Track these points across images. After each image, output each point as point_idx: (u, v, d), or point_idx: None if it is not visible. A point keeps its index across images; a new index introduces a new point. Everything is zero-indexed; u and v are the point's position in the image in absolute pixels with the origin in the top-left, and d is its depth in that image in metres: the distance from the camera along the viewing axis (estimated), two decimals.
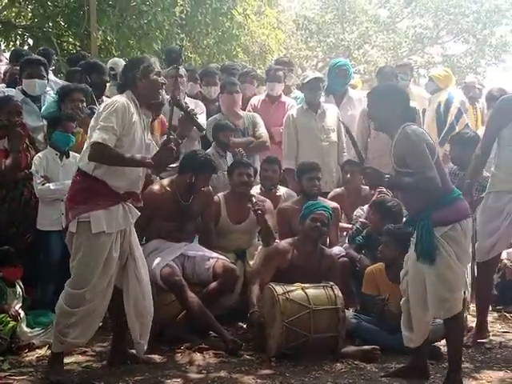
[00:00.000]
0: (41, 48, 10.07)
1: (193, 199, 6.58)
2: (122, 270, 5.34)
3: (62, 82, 8.13)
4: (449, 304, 4.91)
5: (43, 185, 6.45)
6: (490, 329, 6.53)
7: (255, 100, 8.72)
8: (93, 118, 5.25)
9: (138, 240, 5.50)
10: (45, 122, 7.10)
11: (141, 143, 5.24)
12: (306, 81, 8.18)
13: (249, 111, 8.45)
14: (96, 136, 5.00)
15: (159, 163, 5.27)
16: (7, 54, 10.65)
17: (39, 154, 6.60)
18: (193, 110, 6.82)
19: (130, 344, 5.77)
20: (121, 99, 5.16)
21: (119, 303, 5.37)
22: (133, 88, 5.27)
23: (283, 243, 6.54)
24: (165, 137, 7.21)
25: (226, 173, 7.35)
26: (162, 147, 5.25)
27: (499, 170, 6.14)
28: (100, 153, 5.01)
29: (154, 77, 5.28)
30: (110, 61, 10.17)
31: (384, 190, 6.95)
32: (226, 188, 7.31)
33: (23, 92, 7.34)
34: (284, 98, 8.80)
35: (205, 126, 7.86)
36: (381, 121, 5.19)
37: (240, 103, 8.23)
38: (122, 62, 9.48)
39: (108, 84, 8.24)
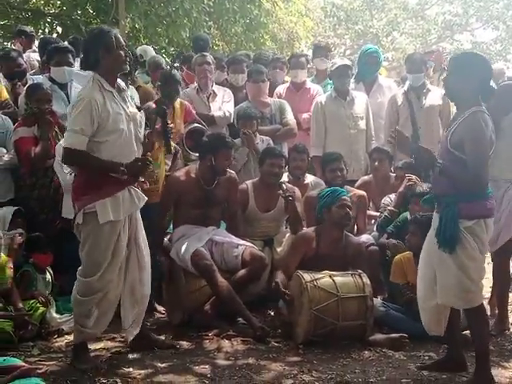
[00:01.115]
0: (70, 37, 10.13)
1: (216, 184, 6.58)
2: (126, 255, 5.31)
3: (86, 74, 8.18)
4: (472, 295, 4.84)
5: (71, 174, 6.45)
6: None
7: (280, 88, 8.68)
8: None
9: (142, 226, 5.43)
10: None
11: (127, 125, 5.12)
12: (334, 68, 8.15)
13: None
14: (65, 141, 5.01)
15: (131, 173, 5.09)
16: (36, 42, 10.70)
17: (62, 143, 6.57)
18: (171, 128, 6.60)
19: (158, 330, 5.83)
20: (86, 94, 5.03)
21: None
22: (97, 68, 5.13)
23: (308, 231, 6.52)
24: (192, 125, 7.29)
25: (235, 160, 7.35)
26: (136, 158, 5.13)
27: (498, 159, 6.03)
28: (70, 158, 5.05)
29: (118, 51, 5.11)
30: (138, 48, 10.24)
31: (413, 177, 6.89)
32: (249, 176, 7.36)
33: (50, 79, 7.37)
34: (309, 85, 8.75)
35: (232, 114, 7.89)
36: (454, 90, 4.97)
37: (266, 91, 8.19)
38: (150, 50, 9.54)
39: (137, 72, 8.27)
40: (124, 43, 5.26)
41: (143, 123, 5.44)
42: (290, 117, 8.05)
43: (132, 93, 7.65)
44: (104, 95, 5.05)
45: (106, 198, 5.02)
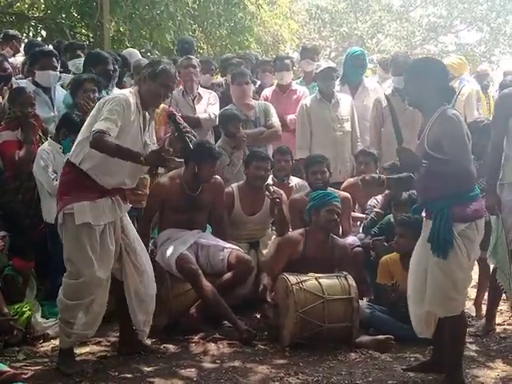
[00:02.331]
0: (55, 41, 10.12)
1: (201, 190, 6.56)
2: (119, 262, 5.35)
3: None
4: (455, 303, 4.83)
5: (57, 180, 6.40)
6: (505, 318, 6.52)
7: (267, 91, 8.70)
8: (93, 112, 5.21)
9: (135, 231, 5.50)
10: (56, 113, 7.14)
11: (133, 143, 5.14)
12: (319, 70, 8.15)
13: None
14: (100, 125, 4.94)
15: (149, 163, 5.10)
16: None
17: (45, 148, 6.51)
18: (186, 127, 6.62)
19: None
20: (123, 95, 5.14)
21: (121, 293, 5.41)
22: (139, 86, 5.27)
23: (295, 234, 6.54)
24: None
25: (231, 164, 7.44)
26: (156, 149, 5.13)
27: (509, 162, 6.02)
28: (102, 141, 4.94)
29: (158, 86, 5.20)
30: (124, 51, 10.22)
31: None
32: (236, 178, 7.36)
33: (34, 83, 7.34)
34: (295, 86, 8.79)
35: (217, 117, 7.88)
36: (415, 97, 4.96)
37: (250, 94, 8.18)
38: (136, 53, 9.53)
39: (126, 75, 8.30)
40: (173, 84, 5.37)
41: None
42: (274, 119, 8.04)
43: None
44: (135, 110, 5.14)
45: (85, 201, 5.04)
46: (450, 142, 4.69)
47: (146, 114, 5.33)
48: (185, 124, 6.59)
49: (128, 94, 5.19)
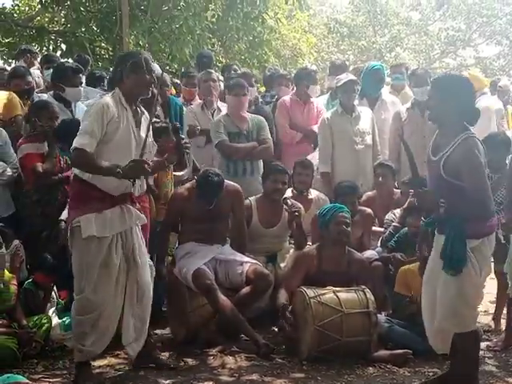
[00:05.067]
0: (76, 55, 10.19)
1: (218, 201, 6.48)
2: (127, 274, 5.27)
3: (97, 90, 8.22)
4: (466, 320, 4.82)
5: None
6: None
7: (286, 98, 8.61)
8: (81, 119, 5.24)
9: (143, 245, 5.39)
10: None
11: (128, 142, 5.10)
12: (340, 84, 8.10)
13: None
14: (76, 141, 4.93)
15: (126, 176, 4.99)
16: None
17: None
18: (186, 143, 6.47)
19: (162, 347, 5.82)
20: (101, 100, 5.11)
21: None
22: (120, 84, 5.19)
23: (310, 249, 6.52)
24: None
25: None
26: (133, 160, 5.01)
27: None
28: (78, 159, 4.96)
29: (142, 75, 5.14)
30: None
31: None
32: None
33: (56, 97, 7.37)
34: (312, 99, 8.72)
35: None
36: (437, 112, 4.88)
37: (246, 106, 7.93)
38: (156, 67, 9.55)
39: None
40: (152, 69, 5.26)
41: (153, 152, 5.43)
42: (267, 135, 7.85)
43: None
44: (119, 109, 5.08)
45: (91, 213, 5.01)
46: (470, 175, 4.67)
47: (138, 109, 5.26)
48: (186, 140, 6.54)
49: (106, 97, 5.16)
